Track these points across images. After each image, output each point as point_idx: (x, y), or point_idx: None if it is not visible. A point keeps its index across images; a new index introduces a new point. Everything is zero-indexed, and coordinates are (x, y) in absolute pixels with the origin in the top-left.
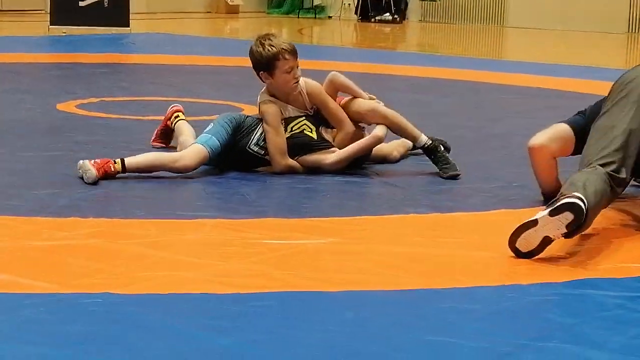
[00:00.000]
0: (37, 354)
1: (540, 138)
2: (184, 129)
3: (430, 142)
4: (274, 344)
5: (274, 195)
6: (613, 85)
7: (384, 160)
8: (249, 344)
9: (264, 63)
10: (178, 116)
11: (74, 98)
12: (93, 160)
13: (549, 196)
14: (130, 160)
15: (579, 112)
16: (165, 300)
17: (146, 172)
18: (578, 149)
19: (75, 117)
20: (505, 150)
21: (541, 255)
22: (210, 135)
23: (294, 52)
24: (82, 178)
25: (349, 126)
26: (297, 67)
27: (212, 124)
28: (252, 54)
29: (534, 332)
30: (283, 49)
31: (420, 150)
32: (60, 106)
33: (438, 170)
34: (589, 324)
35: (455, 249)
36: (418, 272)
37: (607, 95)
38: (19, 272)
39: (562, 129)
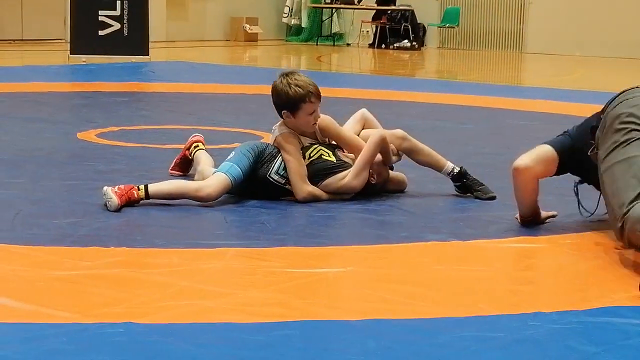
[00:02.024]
0: None
1: (525, 160)
2: (202, 158)
3: (459, 168)
4: None
5: (294, 224)
6: (614, 108)
7: (398, 186)
8: None
9: (290, 104)
10: (197, 146)
11: (94, 127)
12: (117, 187)
13: (527, 218)
14: (153, 188)
15: (563, 132)
16: (188, 330)
17: (169, 200)
18: (562, 170)
19: (96, 146)
20: None
21: (563, 281)
22: (232, 164)
23: (319, 96)
24: (105, 205)
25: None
26: (318, 108)
27: (233, 152)
28: (277, 93)
29: None
30: (310, 91)
31: (440, 176)
32: (80, 135)
33: (473, 194)
34: (611, 353)
35: (476, 276)
36: (439, 300)
37: (602, 114)
38: (40, 301)
39: (546, 150)
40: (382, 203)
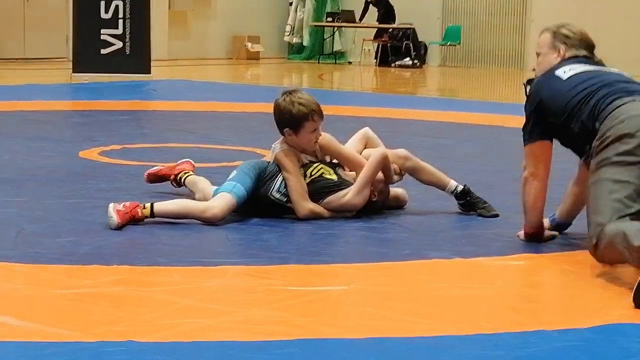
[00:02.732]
0: None
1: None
2: (198, 179)
3: (462, 186)
4: None
5: (296, 242)
6: (620, 123)
7: (397, 202)
8: None
9: (293, 122)
10: (187, 173)
11: (96, 145)
12: (122, 204)
13: (533, 230)
14: (159, 207)
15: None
16: (190, 348)
17: (173, 219)
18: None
19: (97, 165)
20: None
21: (564, 298)
22: (235, 183)
23: (321, 114)
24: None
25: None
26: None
27: (234, 171)
28: (280, 111)
29: None
30: (313, 110)
31: (442, 195)
32: (82, 153)
33: (477, 212)
34: None
35: (478, 294)
36: (441, 318)
37: (597, 121)
38: (41, 320)
39: (548, 148)
40: (384, 221)
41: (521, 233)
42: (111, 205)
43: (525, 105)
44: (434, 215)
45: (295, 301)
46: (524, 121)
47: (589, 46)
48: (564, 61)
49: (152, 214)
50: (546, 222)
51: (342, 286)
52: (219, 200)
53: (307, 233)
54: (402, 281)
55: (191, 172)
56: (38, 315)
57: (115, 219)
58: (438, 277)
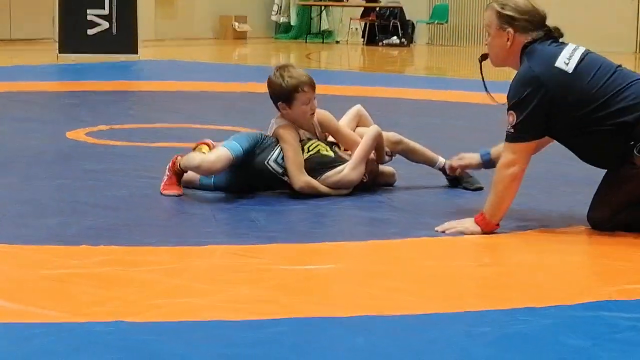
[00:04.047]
0: None
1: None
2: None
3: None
4: None
5: (284, 221)
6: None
7: (386, 181)
8: None
9: (284, 94)
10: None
11: (83, 126)
12: (163, 182)
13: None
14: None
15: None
16: (179, 328)
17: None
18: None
19: (85, 145)
20: None
21: (551, 276)
22: (232, 141)
23: (312, 85)
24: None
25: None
26: (314, 99)
27: (232, 136)
28: (272, 85)
29: (546, 356)
30: (302, 81)
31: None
32: (69, 134)
33: (462, 186)
34: (601, 347)
35: (466, 272)
36: (429, 295)
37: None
38: (29, 301)
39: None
40: (372, 200)
41: (470, 227)
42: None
43: (518, 101)
44: (422, 194)
45: (284, 280)
46: (515, 118)
47: (542, 19)
48: (541, 46)
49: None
50: (476, 156)
51: (331, 265)
52: (214, 152)
53: (296, 212)
54: (390, 259)
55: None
56: (25, 297)
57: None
58: (426, 255)
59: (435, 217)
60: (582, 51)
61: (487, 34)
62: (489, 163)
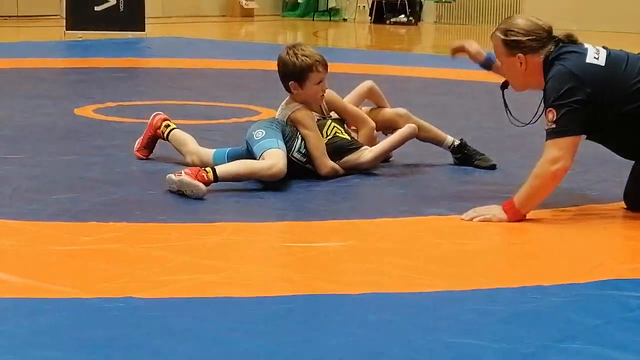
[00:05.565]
0: (59, 359)
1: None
2: (185, 138)
3: (459, 140)
4: (297, 347)
5: (293, 198)
6: None
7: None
8: (274, 347)
9: (297, 73)
10: (169, 125)
11: (91, 103)
12: (183, 172)
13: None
14: (221, 169)
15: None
16: (189, 304)
17: (236, 181)
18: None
19: (93, 122)
20: (523, 151)
21: (563, 255)
22: (274, 139)
23: (326, 65)
24: (177, 192)
25: (371, 123)
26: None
27: (260, 130)
28: (284, 64)
29: (557, 334)
30: (317, 60)
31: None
32: (77, 111)
33: (474, 164)
34: (612, 325)
35: (476, 250)
36: (439, 273)
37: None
38: (39, 276)
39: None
40: (381, 177)
41: (497, 214)
42: (176, 177)
43: (557, 97)
44: (431, 172)
45: (293, 257)
46: (555, 114)
47: (548, 34)
48: (563, 52)
49: (216, 177)
50: (481, 51)
51: (340, 242)
52: (276, 156)
53: (304, 190)
54: (399, 237)
55: (172, 124)
56: (36, 272)
57: (202, 187)
58: (435, 234)
59: (445, 195)
60: (605, 48)
61: (499, 62)
62: (487, 63)
